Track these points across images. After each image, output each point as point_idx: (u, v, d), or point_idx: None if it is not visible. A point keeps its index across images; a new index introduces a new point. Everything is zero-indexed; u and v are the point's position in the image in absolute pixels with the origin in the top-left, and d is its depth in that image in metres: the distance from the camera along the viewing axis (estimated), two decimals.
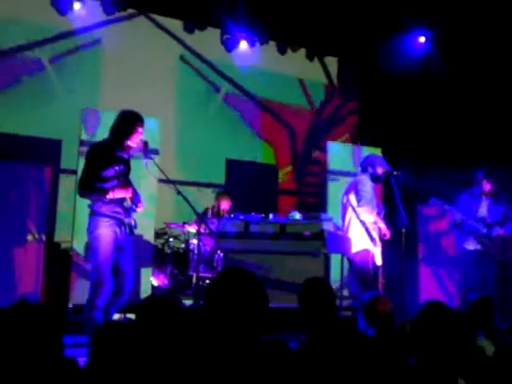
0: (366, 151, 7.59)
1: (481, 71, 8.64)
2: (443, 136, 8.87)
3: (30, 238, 6.35)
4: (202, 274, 6.48)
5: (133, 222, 4.84)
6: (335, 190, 7.50)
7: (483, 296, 4.19)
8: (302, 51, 9.79)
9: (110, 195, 4.64)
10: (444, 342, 2.67)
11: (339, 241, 5.76)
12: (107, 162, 4.72)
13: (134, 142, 4.85)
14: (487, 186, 6.55)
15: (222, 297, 2.28)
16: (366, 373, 2.76)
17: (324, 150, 8.43)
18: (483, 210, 6.53)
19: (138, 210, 4.91)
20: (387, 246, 6.02)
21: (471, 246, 6.47)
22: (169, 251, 7.26)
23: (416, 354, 2.76)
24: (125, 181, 4.80)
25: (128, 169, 4.95)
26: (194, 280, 6.43)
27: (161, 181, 6.98)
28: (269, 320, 3.09)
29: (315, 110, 10.03)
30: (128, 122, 4.88)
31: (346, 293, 6.44)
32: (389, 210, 6.11)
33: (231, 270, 2.44)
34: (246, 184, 8.53)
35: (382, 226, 5.83)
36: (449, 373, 2.62)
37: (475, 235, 6.44)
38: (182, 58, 9.08)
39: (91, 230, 4.71)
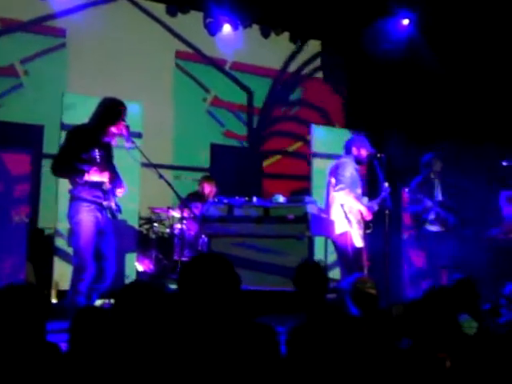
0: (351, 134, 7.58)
1: (465, 52, 8.64)
2: (429, 118, 8.89)
3: (16, 218, 6.29)
4: (186, 259, 6.46)
5: (113, 206, 4.82)
6: (320, 172, 7.49)
7: (466, 277, 4.21)
8: (286, 35, 9.74)
9: (86, 177, 4.62)
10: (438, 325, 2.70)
11: (323, 223, 5.76)
12: (87, 144, 4.71)
13: (117, 129, 4.84)
14: (437, 167, 6.89)
15: (192, 281, 2.29)
16: (356, 354, 2.77)
17: None
18: (439, 193, 6.88)
19: (118, 193, 4.89)
20: (372, 228, 6.02)
21: (434, 227, 6.77)
22: (153, 236, 7.23)
23: (409, 335, 2.78)
24: (104, 165, 4.78)
25: (109, 154, 4.93)
26: (179, 265, 6.41)
27: (144, 165, 6.95)
28: (242, 303, 3.09)
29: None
30: (112, 109, 4.87)
31: (330, 275, 6.45)
32: (372, 192, 6.14)
33: (202, 255, 2.45)
34: (230, 168, 8.51)
35: (362, 208, 5.82)
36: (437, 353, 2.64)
37: (437, 218, 6.75)
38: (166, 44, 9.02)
39: (72, 215, 4.70)
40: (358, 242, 5.78)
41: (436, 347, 2.69)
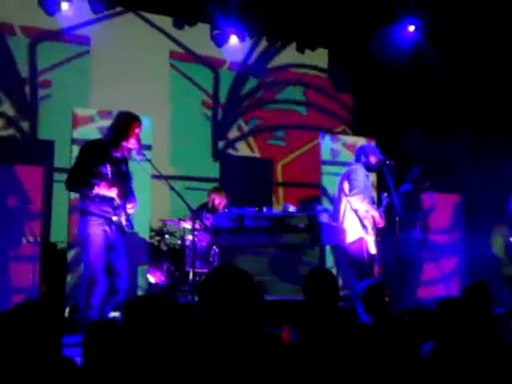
0: (360, 142, 7.59)
1: (471, 58, 8.64)
2: (436, 124, 8.88)
3: (24, 241, 6.35)
4: (198, 270, 6.47)
5: (123, 221, 4.82)
6: (330, 180, 7.50)
7: (479, 282, 4.19)
8: (293, 44, 9.77)
9: (96, 190, 4.65)
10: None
11: (334, 232, 5.76)
12: (100, 159, 4.72)
13: (130, 143, 4.86)
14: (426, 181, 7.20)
15: (214, 294, 2.28)
16: (368, 362, 2.76)
17: None
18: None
19: (129, 209, 4.90)
20: (382, 235, 6.03)
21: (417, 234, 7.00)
22: (165, 248, 7.25)
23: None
24: (115, 181, 4.78)
25: (121, 169, 4.93)
26: (191, 276, 6.42)
27: (155, 177, 7.00)
28: (264, 315, 3.09)
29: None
30: (126, 123, 4.87)
31: (341, 283, 6.45)
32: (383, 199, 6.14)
33: (222, 267, 2.44)
34: (240, 179, 8.53)
35: (375, 214, 5.83)
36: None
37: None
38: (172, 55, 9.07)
39: (81, 229, 4.72)
40: (373, 248, 5.78)
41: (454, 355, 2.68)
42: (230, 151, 9.29)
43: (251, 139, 9.53)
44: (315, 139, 8.71)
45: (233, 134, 9.43)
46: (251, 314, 2.29)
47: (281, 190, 9.53)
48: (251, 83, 9.60)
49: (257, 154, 9.47)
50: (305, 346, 2.90)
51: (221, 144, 9.26)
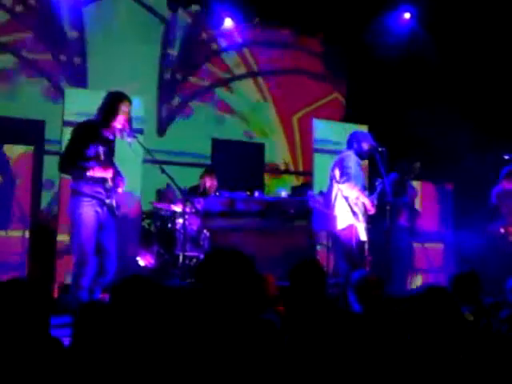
0: (353, 128, 7.57)
1: (468, 46, 8.62)
2: (430, 113, 8.88)
3: (14, 220, 6.32)
4: (188, 254, 6.46)
5: (114, 204, 4.83)
6: (322, 167, 7.49)
7: (469, 272, 4.21)
8: (288, 30, 9.71)
9: (90, 172, 4.64)
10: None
11: (325, 218, 5.75)
12: (91, 141, 4.72)
13: (119, 123, 4.84)
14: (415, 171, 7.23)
15: (213, 277, 2.27)
16: (359, 351, 2.77)
17: None
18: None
19: (119, 190, 4.91)
20: (373, 222, 6.04)
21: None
22: (155, 231, 7.23)
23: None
24: (107, 161, 4.79)
25: (111, 150, 4.94)
26: (181, 259, 6.41)
27: (146, 161, 6.96)
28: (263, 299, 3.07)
29: None
30: (114, 102, 4.87)
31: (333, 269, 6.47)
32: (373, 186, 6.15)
33: (220, 250, 2.42)
34: (232, 163, 8.50)
35: (366, 201, 5.82)
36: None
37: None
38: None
39: (73, 210, 4.71)
40: (363, 235, 5.78)
41: (439, 341, 2.69)
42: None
43: None
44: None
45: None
46: (248, 296, 2.28)
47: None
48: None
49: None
50: (291, 332, 2.90)
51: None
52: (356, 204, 5.77)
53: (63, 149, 5.04)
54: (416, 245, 7.62)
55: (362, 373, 2.57)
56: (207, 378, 2.09)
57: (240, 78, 9.58)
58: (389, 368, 2.60)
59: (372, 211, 5.87)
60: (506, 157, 6.87)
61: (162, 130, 8.99)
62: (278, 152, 9.69)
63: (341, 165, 5.85)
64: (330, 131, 8.16)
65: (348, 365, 2.57)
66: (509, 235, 6.69)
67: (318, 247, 6.68)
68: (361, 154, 6.01)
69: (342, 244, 5.83)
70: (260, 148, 9.42)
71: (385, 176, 5.88)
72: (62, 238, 6.35)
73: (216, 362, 2.13)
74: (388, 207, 5.79)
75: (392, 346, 2.77)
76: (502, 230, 6.72)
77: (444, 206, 8.47)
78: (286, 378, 2.30)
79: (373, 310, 3.65)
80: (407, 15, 8.98)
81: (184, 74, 9.16)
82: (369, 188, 6.38)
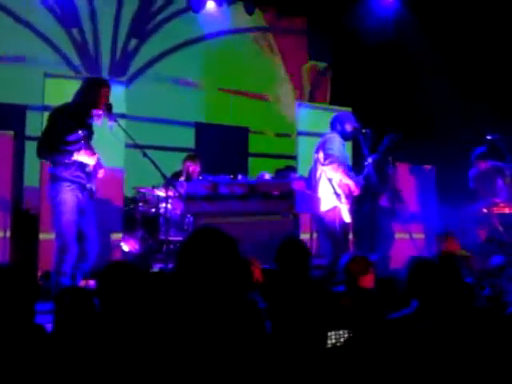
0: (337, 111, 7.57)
1: (452, 30, 8.63)
2: (413, 97, 8.91)
3: None
4: (172, 238, 6.44)
5: (94, 188, 4.80)
6: (305, 150, 7.49)
7: (448, 252, 4.24)
8: (272, 12, 9.64)
9: (75, 156, 4.58)
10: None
11: (308, 200, 5.75)
12: (71, 125, 4.66)
13: (99, 107, 4.79)
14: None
15: (195, 257, 2.24)
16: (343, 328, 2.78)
17: None
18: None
19: (99, 175, 4.87)
20: (356, 203, 6.05)
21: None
22: (139, 216, 7.18)
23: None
24: (89, 146, 4.75)
25: (91, 134, 4.89)
26: (165, 244, 6.38)
27: (129, 145, 6.90)
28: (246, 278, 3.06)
29: None
30: (94, 87, 4.81)
31: (315, 251, 6.48)
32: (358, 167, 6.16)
33: (203, 229, 2.39)
34: (216, 147, 8.47)
35: (350, 182, 5.83)
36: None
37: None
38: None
39: (54, 195, 4.66)
40: (347, 217, 5.79)
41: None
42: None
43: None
44: None
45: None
46: (233, 277, 2.26)
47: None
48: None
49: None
50: (275, 313, 2.90)
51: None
52: (340, 185, 5.78)
53: (41, 133, 4.97)
54: (399, 235, 7.61)
55: (345, 351, 2.59)
56: (192, 360, 2.07)
57: None
58: (368, 343, 2.62)
59: (356, 192, 5.88)
60: (489, 137, 6.89)
61: None
62: None
63: (324, 147, 5.86)
64: (313, 114, 8.15)
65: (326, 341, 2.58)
66: (491, 215, 6.73)
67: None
68: (345, 136, 6.02)
69: (325, 226, 5.85)
70: (244, 132, 9.39)
71: (369, 157, 5.90)
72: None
73: (200, 343, 2.12)
74: (372, 189, 5.82)
75: (370, 323, 2.79)
76: (485, 210, 6.75)
77: (426, 187, 8.50)
78: (269, 359, 2.29)
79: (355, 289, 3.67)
80: None
81: None
82: (354, 169, 6.39)
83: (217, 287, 2.21)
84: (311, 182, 5.95)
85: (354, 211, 5.95)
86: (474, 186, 6.96)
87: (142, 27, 8.83)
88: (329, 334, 2.76)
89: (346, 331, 2.80)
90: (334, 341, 2.76)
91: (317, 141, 6.20)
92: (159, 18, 8.98)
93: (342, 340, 2.76)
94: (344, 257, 3.95)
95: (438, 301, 2.78)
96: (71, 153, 4.60)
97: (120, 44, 8.73)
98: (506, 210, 6.66)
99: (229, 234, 2.32)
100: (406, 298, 2.97)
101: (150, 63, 8.91)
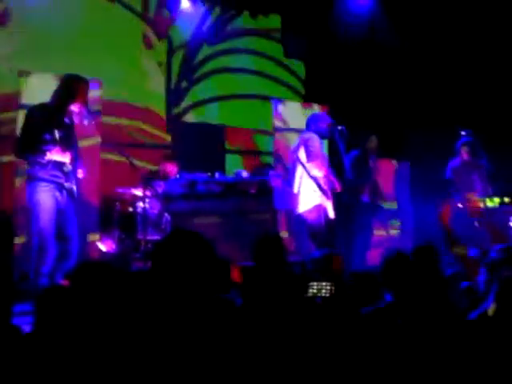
0: (313, 108, 7.63)
1: (426, 26, 8.71)
2: (389, 92, 8.98)
3: None
4: (150, 237, 6.42)
5: (74, 188, 4.76)
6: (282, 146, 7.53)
7: (428, 243, 4.29)
8: (246, 12, 9.61)
9: (48, 156, 4.55)
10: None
11: (287, 197, 5.78)
12: (48, 124, 4.62)
13: (76, 107, 4.76)
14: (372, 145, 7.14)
15: (170, 259, 2.25)
16: (313, 324, 2.80)
17: None
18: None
19: (79, 175, 4.84)
20: (335, 199, 6.10)
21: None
22: (116, 216, 7.14)
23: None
24: (65, 146, 4.71)
25: (70, 134, 4.85)
26: (143, 244, 6.36)
27: (105, 144, 6.88)
28: (224, 279, 3.06)
29: None
30: (72, 84, 4.77)
31: (292, 248, 6.51)
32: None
33: (177, 231, 2.41)
34: (193, 145, 8.44)
35: (333, 179, 5.91)
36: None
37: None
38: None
39: (30, 195, 4.62)
40: (332, 213, 5.84)
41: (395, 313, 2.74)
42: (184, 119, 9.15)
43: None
44: None
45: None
46: (207, 277, 2.28)
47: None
48: (205, 51, 9.43)
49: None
50: (253, 310, 2.92)
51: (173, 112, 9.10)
52: (325, 183, 5.83)
53: (18, 133, 4.94)
54: (378, 232, 7.67)
55: (323, 346, 2.61)
56: (167, 359, 2.08)
57: None
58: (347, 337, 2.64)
59: (339, 189, 5.94)
60: (463, 133, 6.97)
61: None
62: None
63: (306, 145, 5.89)
64: (290, 111, 8.19)
65: (306, 338, 2.60)
66: (467, 209, 6.81)
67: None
68: (321, 134, 6.06)
69: (308, 225, 5.86)
70: (220, 129, 9.37)
71: (344, 154, 5.95)
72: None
73: (175, 342, 2.13)
74: (348, 184, 5.86)
75: (345, 318, 2.81)
76: (460, 205, 6.83)
77: (401, 182, 8.59)
78: (244, 356, 2.31)
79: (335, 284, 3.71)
80: None
81: None
82: (332, 166, 6.44)
83: (190, 288, 2.23)
84: (291, 181, 5.98)
85: (334, 207, 6.00)
86: (451, 176, 6.97)
87: None
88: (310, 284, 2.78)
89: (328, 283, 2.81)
90: (315, 290, 2.78)
91: (293, 137, 6.25)
92: None
93: (323, 291, 2.77)
94: (315, 253, 3.99)
95: (412, 294, 2.82)
96: (45, 152, 4.56)
97: None
98: (480, 205, 6.74)
99: (205, 237, 2.34)
100: (381, 292, 3.00)
101: None
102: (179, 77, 9.15)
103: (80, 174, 4.85)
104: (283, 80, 9.96)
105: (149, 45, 8.81)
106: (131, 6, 8.65)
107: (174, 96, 9.00)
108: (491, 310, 2.87)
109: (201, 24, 9.20)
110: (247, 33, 9.75)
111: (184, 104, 9.15)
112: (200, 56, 9.31)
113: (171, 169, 7.17)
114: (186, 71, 9.21)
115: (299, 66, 10.07)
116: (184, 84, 9.17)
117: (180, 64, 9.17)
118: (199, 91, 9.25)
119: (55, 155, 4.59)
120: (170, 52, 9.07)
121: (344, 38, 8.84)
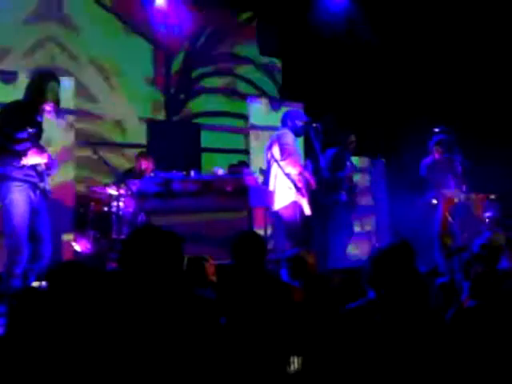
0: (288, 106, 7.63)
1: (402, 23, 8.76)
2: (365, 89, 9.02)
3: None
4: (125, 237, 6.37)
5: (47, 187, 4.69)
6: (258, 144, 7.52)
7: (402, 240, 4.30)
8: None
9: (24, 161, 4.46)
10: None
11: (262, 195, 5.78)
12: (20, 122, 4.52)
13: (48, 103, 4.67)
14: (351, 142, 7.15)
15: (135, 256, 2.24)
16: (293, 321, 2.80)
17: None
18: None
19: (51, 173, 4.76)
20: (312, 197, 6.11)
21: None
22: (90, 215, 7.07)
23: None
24: (38, 144, 4.63)
25: (41, 132, 4.78)
26: (118, 243, 6.30)
27: (80, 143, 6.81)
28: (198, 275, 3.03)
29: None
30: (42, 82, 4.68)
31: (269, 246, 6.50)
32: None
33: (143, 228, 2.39)
34: (168, 144, 8.39)
35: (308, 176, 5.91)
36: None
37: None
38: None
39: (3, 195, 4.52)
40: (307, 210, 5.84)
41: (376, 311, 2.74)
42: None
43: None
44: None
45: None
46: (173, 274, 2.26)
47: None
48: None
49: None
50: (229, 307, 2.91)
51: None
52: (300, 180, 5.83)
53: None
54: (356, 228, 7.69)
55: (304, 343, 2.61)
56: (145, 358, 2.07)
57: None
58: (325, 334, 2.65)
59: (314, 186, 5.95)
60: (436, 129, 7.02)
61: None
62: None
63: (279, 142, 5.89)
64: (264, 109, 8.18)
65: (287, 336, 2.60)
66: (441, 206, 6.86)
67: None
68: (296, 131, 6.06)
69: (285, 223, 5.87)
70: (196, 128, 9.33)
71: (319, 152, 5.96)
72: None
73: (151, 341, 2.12)
74: (324, 182, 5.88)
75: (327, 316, 2.82)
76: (435, 202, 6.87)
77: (377, 179, 8.64)
78: (221, 354, 2.30)
79: (308, 282, 3.71)
80: None
81: None
82: (307, 163, 6.45)
83: (158, 285, 2.22)
84: (267, 178, 5.98)
85: (310, 205, 6.01)
86: (425, 174, 7.00)
87: None
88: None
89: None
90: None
91: (268, 135, 6.25)
92: None
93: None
94: (286, 252, 4.00)
95: (393, 291, 2.83)
96: (19, 156, 4.46)
97: None
98: (455, 201, 6.80)
99: (170, 232, 2.33)
100: (363, 289, 3.00)
101: None
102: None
103: (52, 172, 4.77)
104: (258, 77, 9.95)
105: None
106: None
107: None
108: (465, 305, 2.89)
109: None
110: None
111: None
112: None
113: (147, 165, 7.12)
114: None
115: (275, 64, 10.07)
116: None
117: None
118: None
119: (32, 159, 4.50)
120: None
121: (320, 34, 8.84)
